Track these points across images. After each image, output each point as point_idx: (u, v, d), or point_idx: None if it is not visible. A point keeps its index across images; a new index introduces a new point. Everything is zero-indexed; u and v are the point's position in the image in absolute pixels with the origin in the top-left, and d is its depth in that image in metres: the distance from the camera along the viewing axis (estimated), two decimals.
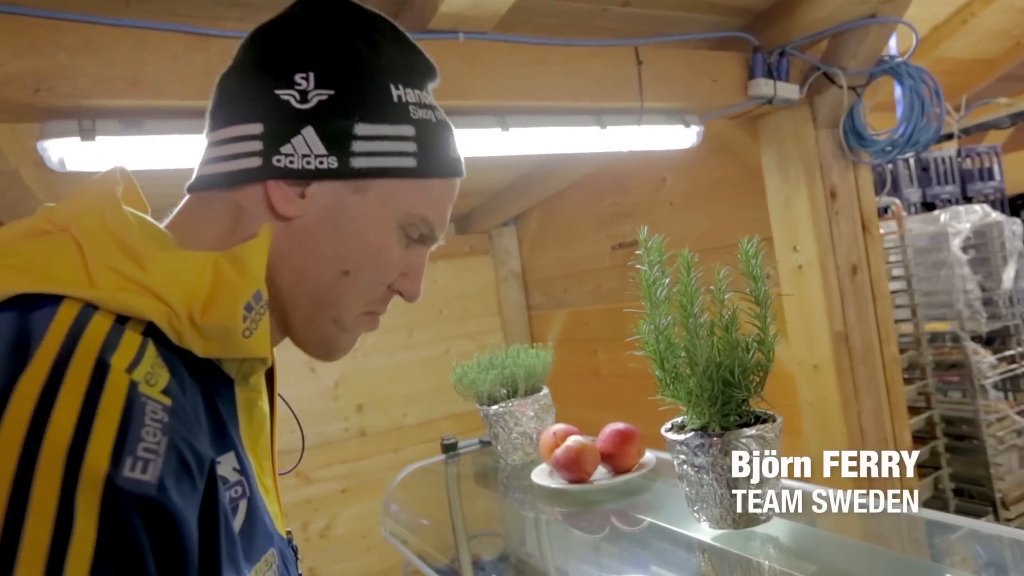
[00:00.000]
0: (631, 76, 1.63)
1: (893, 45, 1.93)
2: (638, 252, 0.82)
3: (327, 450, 2.95)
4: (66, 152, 1.25)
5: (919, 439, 2.70)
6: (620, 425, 1.09)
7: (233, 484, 0.50)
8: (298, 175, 0.55)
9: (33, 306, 0.44)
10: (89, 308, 0.45)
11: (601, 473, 1.08)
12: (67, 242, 0.49)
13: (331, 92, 0.56)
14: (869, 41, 1.76)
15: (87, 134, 1.23)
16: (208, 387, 0.50)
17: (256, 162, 0.55)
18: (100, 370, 0.41)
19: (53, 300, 0.45)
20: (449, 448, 1.47)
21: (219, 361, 0.52)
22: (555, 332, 3.19)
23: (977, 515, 2.73)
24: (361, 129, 0.56)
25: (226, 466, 0.50)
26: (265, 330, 0.52)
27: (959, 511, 2.74)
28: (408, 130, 0.58)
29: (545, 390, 1.30)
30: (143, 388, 0.43)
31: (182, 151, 1.29)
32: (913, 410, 2.57)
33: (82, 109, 1.21)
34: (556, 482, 1.08)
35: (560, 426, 1.16)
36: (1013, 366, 2.99)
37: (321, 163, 0.55)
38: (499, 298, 3.38)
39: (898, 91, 2.11)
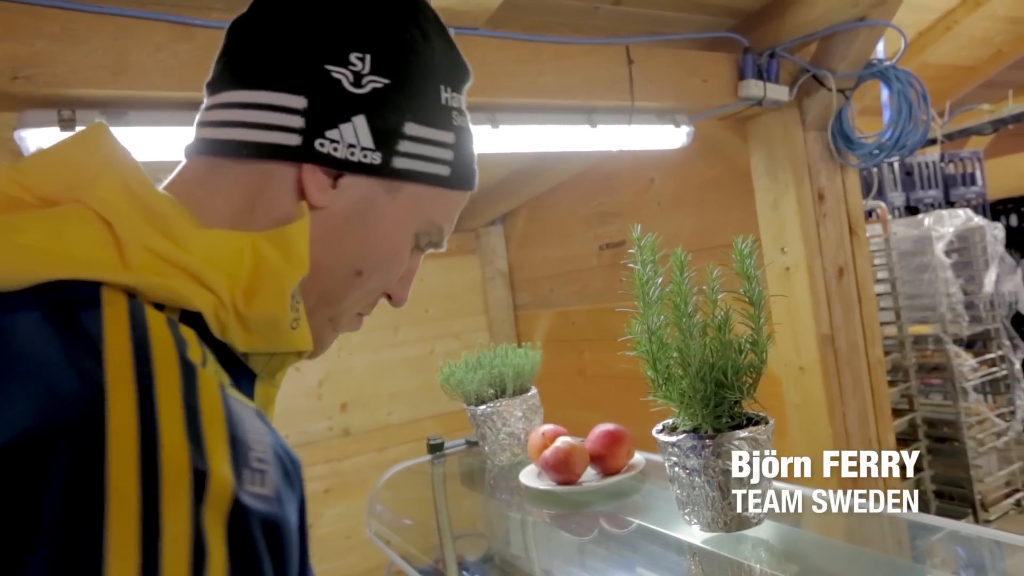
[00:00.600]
0: (622, 75, 1.63)
1: (880, 49, 1.94)
2: (631, 251, 0.81)
3: (311, 449, 2.92)
4: (45, 142, 1.22)
5: (902, 441, 2.72)
6: (610, 426, 1.08)
7: None
8: (338, 164, 0.51)
9: (65, 293, 0.38)
10: (134, 298, 0.40)
11: (590, 474, 1.07)
12: (86, 216, 0.42)
13: (387, 81, 0.51)
14: (858, 44, 1.76)
15: (67, 124, 1.20)
16: (233, 381, 0.46)
17: (295, 140, 0.50)
18: (189, 372, 0.37)
19: (86, 287, 0.39)
20: (435, 448, 1.45)
21: (246, 355, 0.48)
22: (541, 332, 3.18)
23: (957, 516, 2.76)
24: (410, 129, 0.53)
25: None
26: (306, 320, 0.49)
27: (940, 512, 2.77)
28: (449, 137, 0.55)
29: (533, 390, 1.29)
30: (229, 388, 0.39)
31: (166, 143, 1.27)
32: (896, 412, 2.59)
33: (62, 98, 1.17)
34: (544, 483, 1.07)
35: (549, 427, 1.15)
36: (993, 369, 3.03)
37: (365, 156, 0.51)
38: (485, 297, 3.36)
39: (885, 95, 2.12)
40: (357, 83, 0.50)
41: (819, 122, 1.88)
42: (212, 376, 0.38)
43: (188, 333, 0.40)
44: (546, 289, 3.16)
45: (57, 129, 1.18)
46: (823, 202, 1.89)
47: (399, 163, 0.52)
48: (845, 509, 0.91)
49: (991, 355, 3.04)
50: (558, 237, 3.03)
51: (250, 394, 0.49)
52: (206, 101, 0.53)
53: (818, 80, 1.82)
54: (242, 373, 0.48)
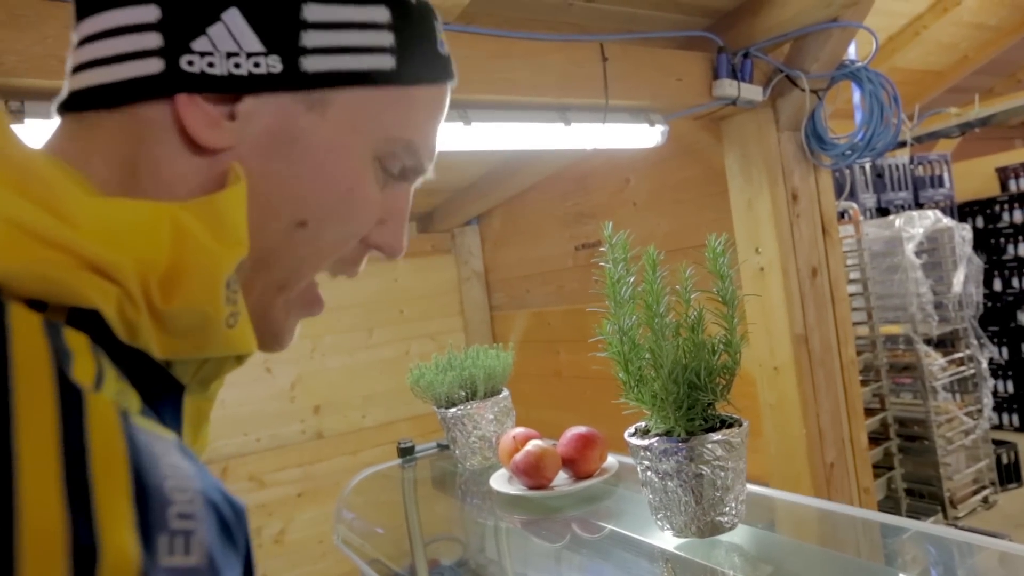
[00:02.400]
0: (596, 73, 1.61)
1: (852, 51, 1.95)
2: (602, 249, 0.79)
3: (282, 453, 2.86)
4: None
5: (873, 440, 2.75)
6: (582, 429, 1.06)
7: None
8: (224, 85, 0.37)
9: None
10: None
11: (562, 478, 1.05)
12: None
13: None
14: (831, 45, 1.77)
15: (15, 116, 1.14)
16: (148, 397, 0.34)
17: (155, 65, 0.37)
18: (70, 400, 0.26)
19: None
20: (406, 452, 1.42)
21: (168, 362, 0.37)
22: (517, 333, 3.16)
23: (927, 514, 2.80)
24: (313, 12, 0.39)
25: None
26: (246, 313, 0.37)
27: (910, 510, 2.81)
28: (380, 13, 0.41)
29: (505, 392, 1.26)
30: (136, 417, 0.28)
31: None
32: (868, 411, 2.62)
33: (10, 88, 1.12)
34: (515, 488, 1.04)
35: (520, 430, 1.12)
36: (961, 368, 3.08)
37: (256, 65, 0.38)
38: (461, 298, 3.33)
39: (856, 96, 2.14)
40: None
41: (792, 122, 1.88)
42: (107, 403, 0.28)
43: (76, 341, 0.30)
44: (522, 290, 3.14)
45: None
46: (797, 202, 1.89)
47: (311, 63, 0.39)
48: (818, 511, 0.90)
49: (959, 354, 3.10)
50: (534, 238, 3.02)
51: (176, 412, 0.39)
52: (72, 41, 0.40)
53: (791, 80, 1.82)
54: (163, 386, 0.37)
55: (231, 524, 0.30)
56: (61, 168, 0.35)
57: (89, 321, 0.31)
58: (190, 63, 0.37)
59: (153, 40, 0.37)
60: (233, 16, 0.37)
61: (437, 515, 1.35)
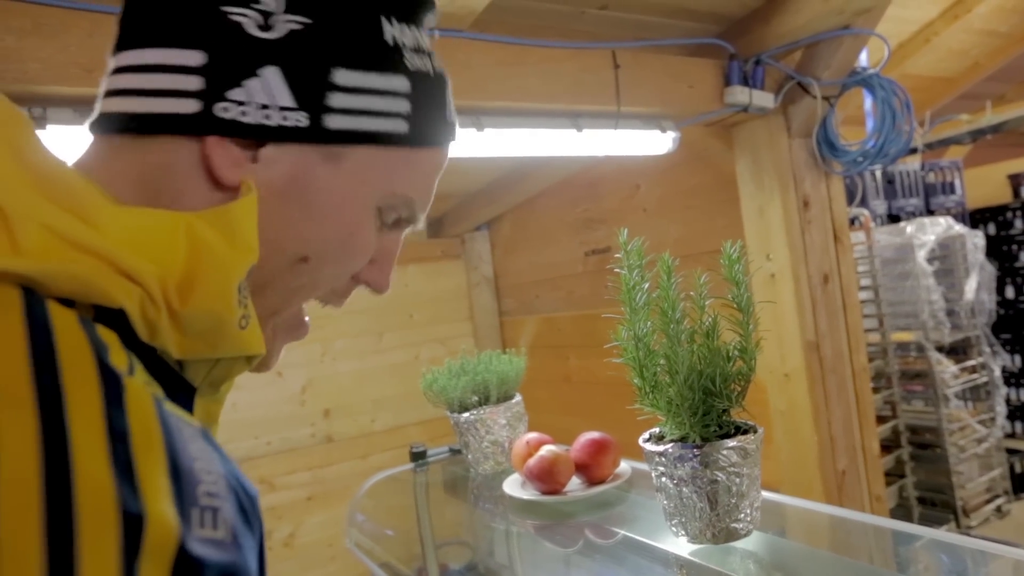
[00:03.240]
0: (608, 80, 1.62)
1: (864, 58, 1.96)
2: (617, 255, 0.80)
3: (293, 456, 2.87)
4: None
5: (885, 448, 2.73)
6: (595, 434, 1.06)
7: None
8: (252, 132, 0.40)
9: None
10: (28, 290, 0.31)
11: (575, 484, 1.05)
12: None
13: (306, 21, 0.41)
14: (842, 52, 1.77)
15: (38, 122, 1.16)
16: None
17: (193, 106, 0.39)
18: (112, 384, 0.29)
19: None
20: (418, 456, 1.42)
21: (182, 363, 0.39)
22: (527, 338, 3.16)
23: (939, 523, 2.78)
24: (342, 77, 0.42)
25: None
26: (256, 317, 0.40)
27: (922, 519, 2.79)
28: (402, 84, 0.44)
29: (518, 397, 1.27)
30: (166, 403, 0.31)
31: None
32: (879, 419, 2.60)
33: (32, 96, 1.14)
34: (528, 493, 1.04)
35: (533, 435, 1.13)
36: (974, 376, 3.06)
37: (285, 119, 0.40)
38: (470, 303, 3.34)
39: (868, 103, 2.14)
40: (266, 26, 0.40)
41: (804, 129, 1.88)
42: (143, 388, 0.30)
43: (108, 336, 0.32)
44: (531, 295, 3.14)
45: None
46: (808, 209, 1.89)
47: (334, 122, 0.42)
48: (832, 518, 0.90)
49: (972, 362, 3.08)
50: (544, 243, 3.02)
51: (188, 412, 0.40)
52: (109, 67, 0.43)
53: (803, 87, 1.83)
54: (176, 386, 0.39)
55: (247, 508, 0.32)
56: (84, 180, 0.37)
57: (112, 321, 0.33)
58: (225, 109, 0.40)
59: (194, 83, 0.40)
60: (271, 73, 0.40)
61: (448, 519, 1.35)
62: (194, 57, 0.40)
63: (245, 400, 2.70)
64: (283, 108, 0.41)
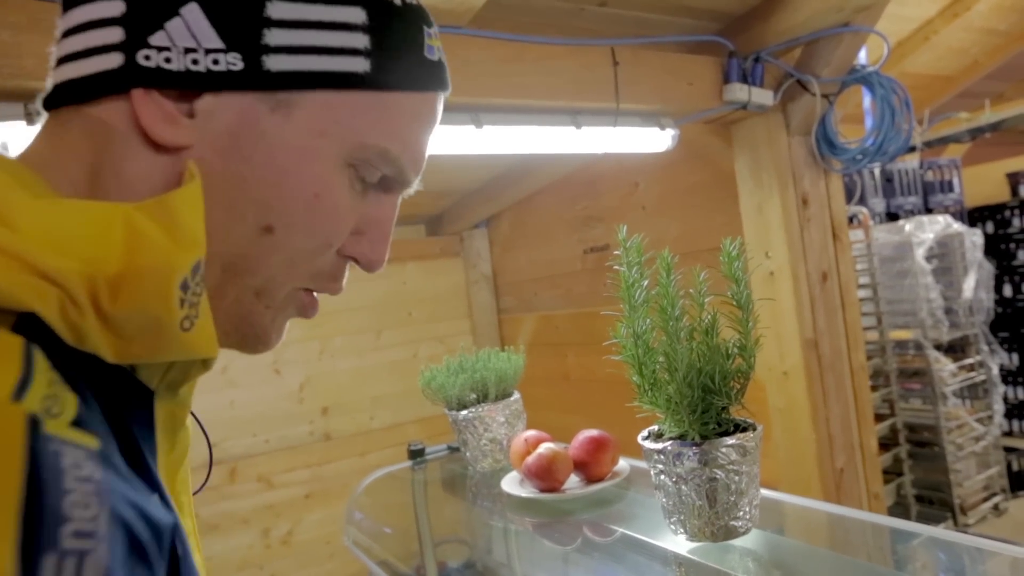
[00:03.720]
0: (607, 77, 1.61)
1: (863, 56, 1.95)
2: (616, 252, 0.80)
3: (291, 454, 2.87)
4: (10, 136, 1.17)
5: (883, 446, 2.74)
6: (594, 432, 1.06)
7: None
8: (181, 81, 0.36)
9: None
10: None
11: (573, 482, 1.05)
12: None
13: None
14: (842, 50, 1.77)
15: (33, 118, 1.15)
16: (114, 403, 0.34)
17: (116, 60, 0.36)
18: None
19: None
20: (416, 454, 1.42)
21: (133, 366, 0.36)
22: (525, 336, 3.16)
23: (937, 520, 2.78)
24: (278, 10, 0.37)
25: None
26: (208, 316, 0.36)
27: (920, 517, 2.79)
28: (355, 14, 0.39)
29: (516, 395, 1.27)
30: (50, 426, 0.27)
31: None
32: (877, 417, 2.61)
33: (28, 91, 1.13)
34: (527, 491, 1.04)
35: (532, 432, 1.13)
36: (972, 374, 3.07)
37: (216, 62, 0.36)
38: (469, 301, 3.34)
39: (867, 101, 2.13)
40: None
41: (803, 127, 1.88)
42: (14, 412, 0.26)
43: (11, 343, 0.29)
44: (530, 293, 3.14)
45: (23, 123, 1.14)
46: (807, 207, 1.89)
47: (275, 63, 0.37)
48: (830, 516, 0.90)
49: (970, 360, 3.08)
50: (542, 241, 3.02)
51: (147, 419, 0.37)
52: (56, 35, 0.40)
53: (802, 85, 1.82)
54: (130, 392, 0.36)
55: (145, 543, 0.28)
56: (13, 173, 0.35)
57: (40, 326, 0.30)
58: (147, 58, 0.36)
59: (116, 35, 0.36)
60: (192, 11, 0.36)
61: (447, 517, 1.35)
62: (114, 7, 0.36)
63: (243, 398, 2.69)
64: (211, 50, 0.36)
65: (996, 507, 3.07)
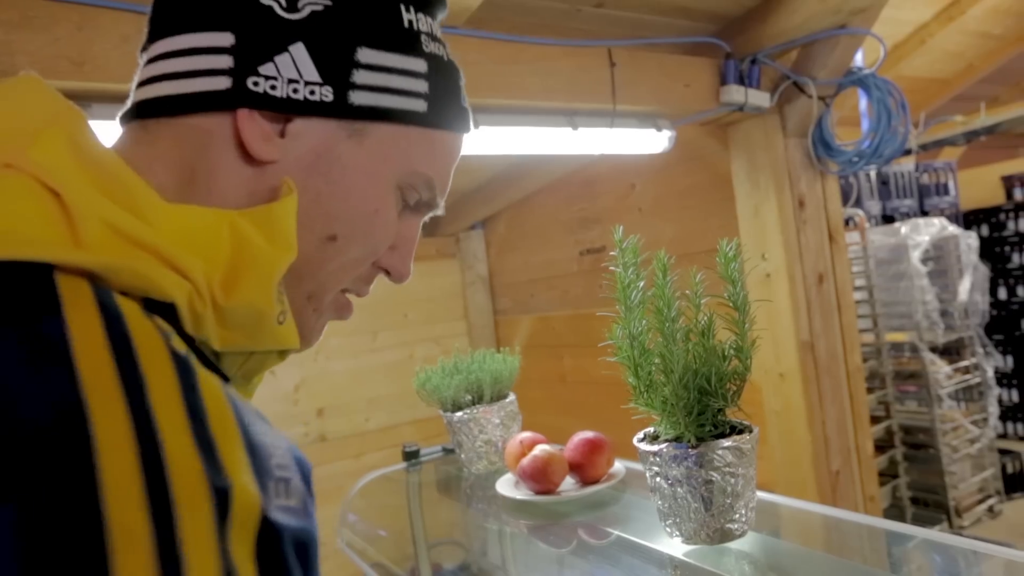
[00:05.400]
0: (604, 78, 1.61)
1: (859, 58, 1.95)
2: (612, 253, 0.79)
3: None
4: None
5: (879, 448, 2.74)
6: (589, 434, 1.05)
7: None
8: (280, 106, 0.43)
9: (7, 282, 0.30)
10: (94, 282, 0.32)
11: (569, 484, 1.04)
12: (25, 184, 0.33)
13: (327, 3, 0.44)
14: (838, 52, 1.77)
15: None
16: None
17: (224, 83, 0.42)
18: (185, 369, 0.30)
19: (32, 272, 0.31)
20: (411, 456, 1.41)
21: (218, 355, 0.40)
22: (521, 337, 3.16)
23: (932, 523, 2.78)
24: (365, 56, 0.44)
25: None
26: (292, 314, 0.42)
27: (915, 519, 2.79)
28: (419, 65, 0.47)
29: (511, 396, 1.26)
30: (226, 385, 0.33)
31: None
32: (873, 419, 2.61)
33: None
34: (522, 493, 1.04)
35: (527, 434, 1.12)
36: (967, 376, 3.07)
37: (312, 93, 0.43)
38: (465, 302, 3.33)
39: (863, 103, 2.14)
40: (292, 7, 0.43)
41: (800, 129, 1.88)
42: (208, 372, 0.32)
43: (164, 324, 0.33)
44: (526, 294, 3.14)
45: None
46: (803, 209, 1.89)
47: (358, 98, 0.44)
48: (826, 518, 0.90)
49: (965, 363, 3.09)
50: (539, 242, 3.02)
51: None
52: (141, 61, 0.46)
53: (799, 87, 1.82)
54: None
55: (308, 477, 0.35)
56: (135, 174, 0.39)
57: (159, 313, 0.35)
58: (255, 84, 0.42)
59: (225, 62, 0.42)
60: (299, 49, 0.43)
61: (441, 519, 1.35)
62: (224, 39, 0.42)
63: None
64: (310, 83, 0.43)
65: (991, 509, 3.07)
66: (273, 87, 0.42)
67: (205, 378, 0.31)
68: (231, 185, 0.43)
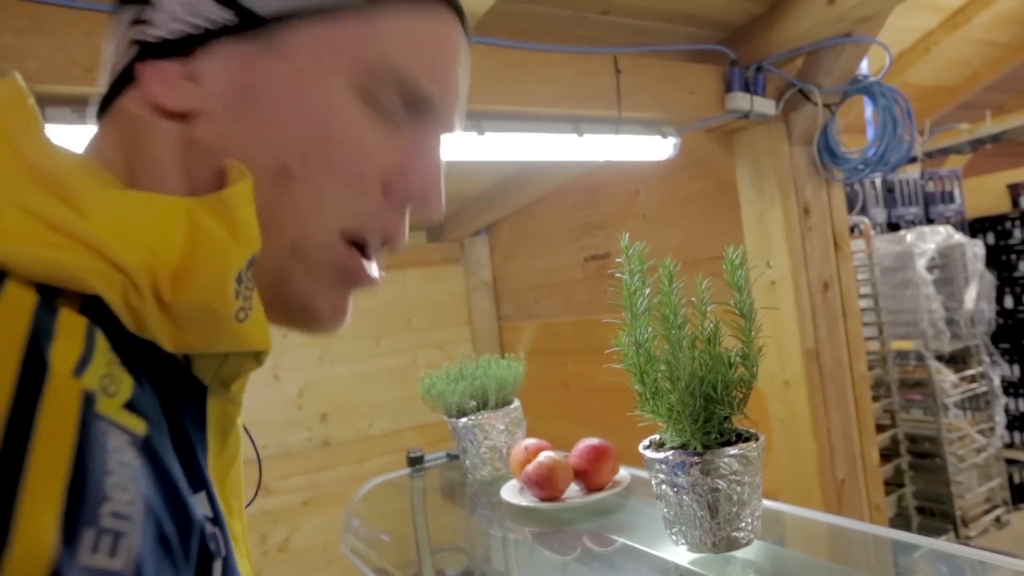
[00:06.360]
0: (609, 85, 1.61)
1: (865, 66, 1.96)
2: (618, 260, 0.79)
3: (289, 460, 2.86)
4: None
5: (884, 456, 2.72)
6: (594, 440, 1.05)
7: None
8: (178, 47, 0.38)
9: None
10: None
11: (573, 491, 1.04)
12: None
13: None
14: (844, 60, 1.77)
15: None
16: (172, 399, 0.34)
17: (127, 48, 0.39)
18: (32, 371, 0.26)
19: None
20: (415, 461, 1.41)
21: (188, 359, 0.37)
22: (525, 343, 3.15)
23: (938, 533, 2.77)
24: None
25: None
26: (261, 310, 0.37)
27: (921, 529, 2.77)
28: None
29: (516, 403, 1.26)
30: (102, 405, 0.27)
31: None
32: (878, 427, 2.60)
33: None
34: (526, 500, 1.03)
35: (532, 441, 1.12)
36: (973, 385, 3.06)
37: (205, 19, 0.38)
38: (469, 308, 3.33)
39: (868, 111, 2.14)
40: None
41: (805, 136, 1.88)
42: (72, 386, 0.27)
43: (70, 324, 0.29)
44: (530, 300, 3.14)
45: None
46: (809, 216, 1.89)
47: (260, 4, 0.38)
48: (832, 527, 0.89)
49: (971, 371, 3.07)
50: (543, 248, 3.02)
51: (199, 415, 0.38)
52: None
53: (804, 94, 1.82)
54: (185, 386, 0.37)
55: (171, 540, 0.27)
56: (85, 165, 0.36)
57: (104, 311, 0.31)
58: (143, 32, 0.38)
59: (125, 26, 0.40)
60: None
61: (445, 525, 1.34)
62: (128, 7, 0.39)
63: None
64: (198, 8, 0.38)
65: (998, 519, 3.05)
66: (159, 26, 0.38)
67: (59, 393, 0.26)
68: (164, 152, 0.39)
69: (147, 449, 0.28)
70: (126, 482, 0.26)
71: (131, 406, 0.29)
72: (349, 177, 0.40)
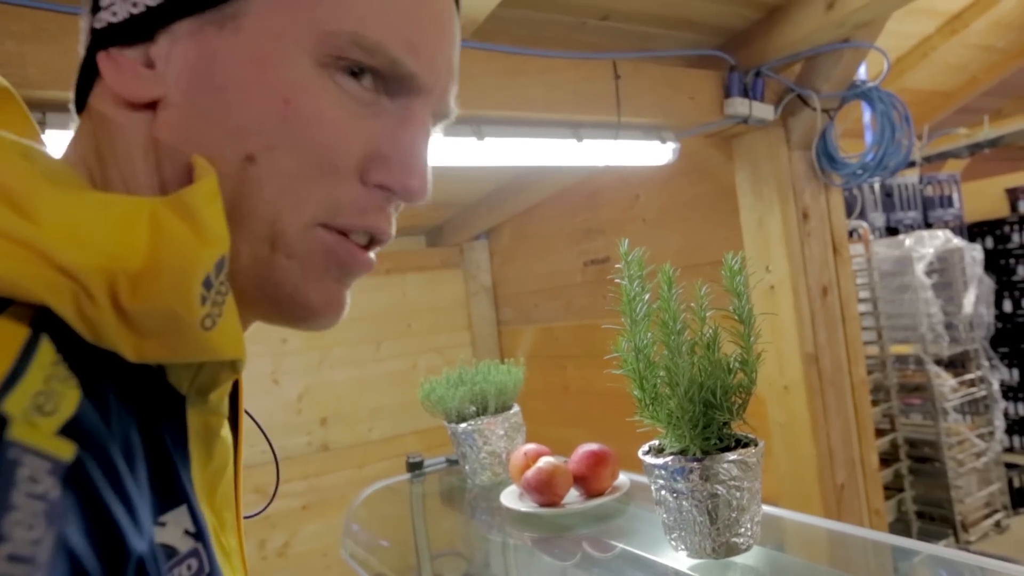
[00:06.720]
0: (609, 90, 1.62)
1: (863, 71, 1.96)
2: (617, 266, 0.79)
3: (288, 465, 2.85)
4: None
5: (883, 461, 2.72)
6: (594, 446, 1.05)
7: (185, 556, 0.32)
8: (132, 31, 0.36)
9: None
10: None
11: (573, 496, 1.04)
12: None
13: None
14: (842, 65, 1.78)
15: (42, 127, 1.16)
16: (148, 411, 0.33)
17: (85, 38, 0.38)
18: None
19: None
20: (415, 467, 1.41)
21: (162, 369, 0.35)
22: (525, 348, 3.15)
23: (938, 537, 2.76)
24: None
25: (174, 530, 0.32)
26: (234, 316, 0.34)
27: (921, 534, 2.77)
28: None
29: (516, 408, 1.26)
30: (17, 431, 0.25)
31: None
32: (877, 432, 2.59)
33: (32, 100, 1.13)
34: (526, 505, 1.03)
35: (531, 446, 1.12)
36: (973, 389, 3.06)
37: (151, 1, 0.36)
38: (469, 312, 3.33)
39: (867, 116, 2.14)
40: None
41: (804, 141, 1.89)
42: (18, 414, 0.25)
43: (13, 333, 0.28)
44: (530, 305, 3.14)
45: None
46: (807, 221, 1.89)
47: None
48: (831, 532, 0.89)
49: (970, 375, 3.07)
50: (542, 253, 3.02)
51: (179, 425, 0.36)
52: None
53: (803, 100, 1.83)
54: (161, 396, 0.35)
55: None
56: (44, 166, 0.33)
57: (59, 322, 0.29)
58: (98, 22, 0.37)
59: (88, 20, 0.38)
60: None
61: (445, 531, 1.34)
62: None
63: None
64: None
65: (998, 524, 3.04)
66: (114, 13, 0.36)
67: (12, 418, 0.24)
68: (134, 148, 0.37)
69: (75, 477, 0.25)
70: (33, 519, 0.23)
71: (69, 426, 0.26)
72: (319, 162, 0.36)
